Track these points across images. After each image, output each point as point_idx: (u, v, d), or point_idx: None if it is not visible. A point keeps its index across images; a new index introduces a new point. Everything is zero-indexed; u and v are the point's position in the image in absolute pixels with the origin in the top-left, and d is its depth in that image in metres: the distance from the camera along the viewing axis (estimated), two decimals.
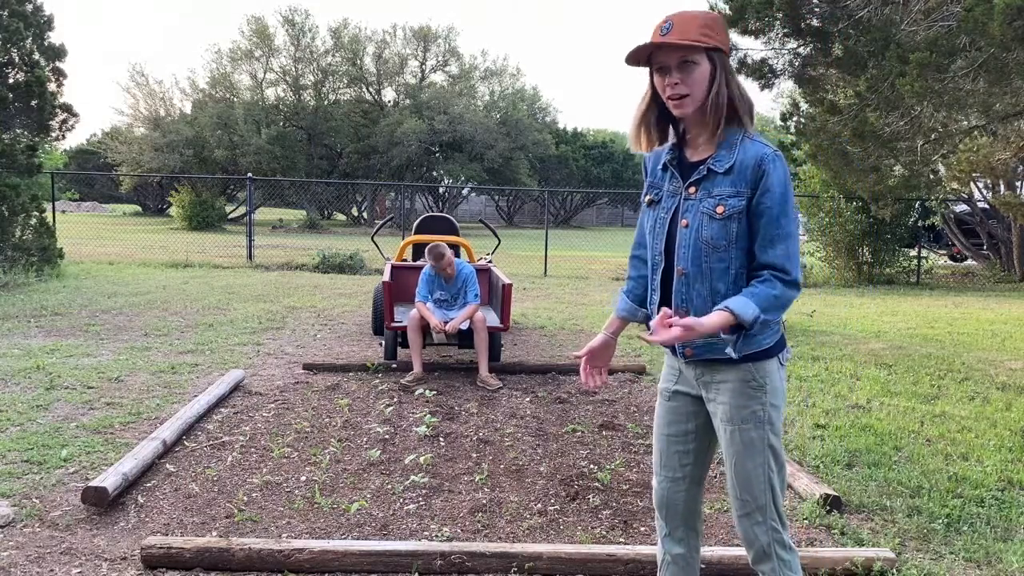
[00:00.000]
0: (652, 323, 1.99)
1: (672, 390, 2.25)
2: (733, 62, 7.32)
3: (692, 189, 2.07)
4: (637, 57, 2.04)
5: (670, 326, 1.92)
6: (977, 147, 9.45)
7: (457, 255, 7.12)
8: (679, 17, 2.01)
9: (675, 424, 2.25)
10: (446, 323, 5.84)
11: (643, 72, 2.10)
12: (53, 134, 11.60)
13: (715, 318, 1.94)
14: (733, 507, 2.15)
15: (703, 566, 2.92)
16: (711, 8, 7.10)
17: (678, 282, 2.09)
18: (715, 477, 3.92)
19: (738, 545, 2.98)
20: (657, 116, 2.11)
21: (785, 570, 2.12)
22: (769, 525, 2.11)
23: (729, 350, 2.01)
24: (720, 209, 2.01)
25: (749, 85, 7.33)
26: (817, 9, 6.83)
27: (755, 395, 2.06)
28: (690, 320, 1.93)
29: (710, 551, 3.01)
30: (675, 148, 2.14)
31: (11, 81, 10.93)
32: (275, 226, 29.17)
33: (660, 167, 2.17)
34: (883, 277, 15.22)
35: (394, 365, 6.23)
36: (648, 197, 2.19)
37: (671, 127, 2.14)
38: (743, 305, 1.95)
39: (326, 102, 33.91)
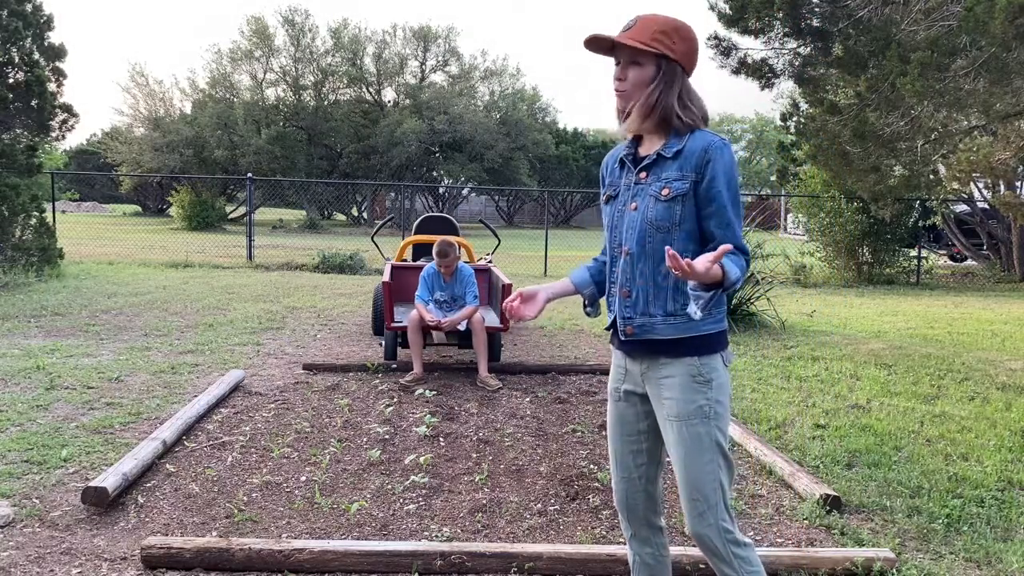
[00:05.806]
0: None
1: (622, 390, 2.25)
2: (733, 62, 7.31)
3: (643, 174, 2.14)
4: (596, 44, 2.10)
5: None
6: (977, 147, 9.43)
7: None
8: (644, 18, 2.06)
9: (627, 424, 2.26)
10: (443, 319, 5.85)
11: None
12: (53, 134, 11.58)
13: (707, 266, 1.87)
14: (685, 512, 2.12)
15: (702, 566, 2.93)
16: (711, 8, 7.10)
17: (623, 262, 2.14)
18: None
19: None
20: None
21: (745, 567, 2.11)
22: (720, 526, 2.09)
23: (693, 308, 1.93)
24: (665, 191, 2.07)
25: (749, 85, 7.33)
26: (817, 9, 6.83)
27: (701, 390, 2.08)
28: (689, 262, 1.89)
29: None
30: (631, 145, 2.21)
31: (11, 81, 10.92)
32: (275, 226, 29.15)
33: (616, 165, 2.26)
34: (883, 277, 15.22)
35: (394, 365, 6.23)
36: (606, 194, 2.26)
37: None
38: (730, 265, 1.96)
39: (326, 102, 33.88)
